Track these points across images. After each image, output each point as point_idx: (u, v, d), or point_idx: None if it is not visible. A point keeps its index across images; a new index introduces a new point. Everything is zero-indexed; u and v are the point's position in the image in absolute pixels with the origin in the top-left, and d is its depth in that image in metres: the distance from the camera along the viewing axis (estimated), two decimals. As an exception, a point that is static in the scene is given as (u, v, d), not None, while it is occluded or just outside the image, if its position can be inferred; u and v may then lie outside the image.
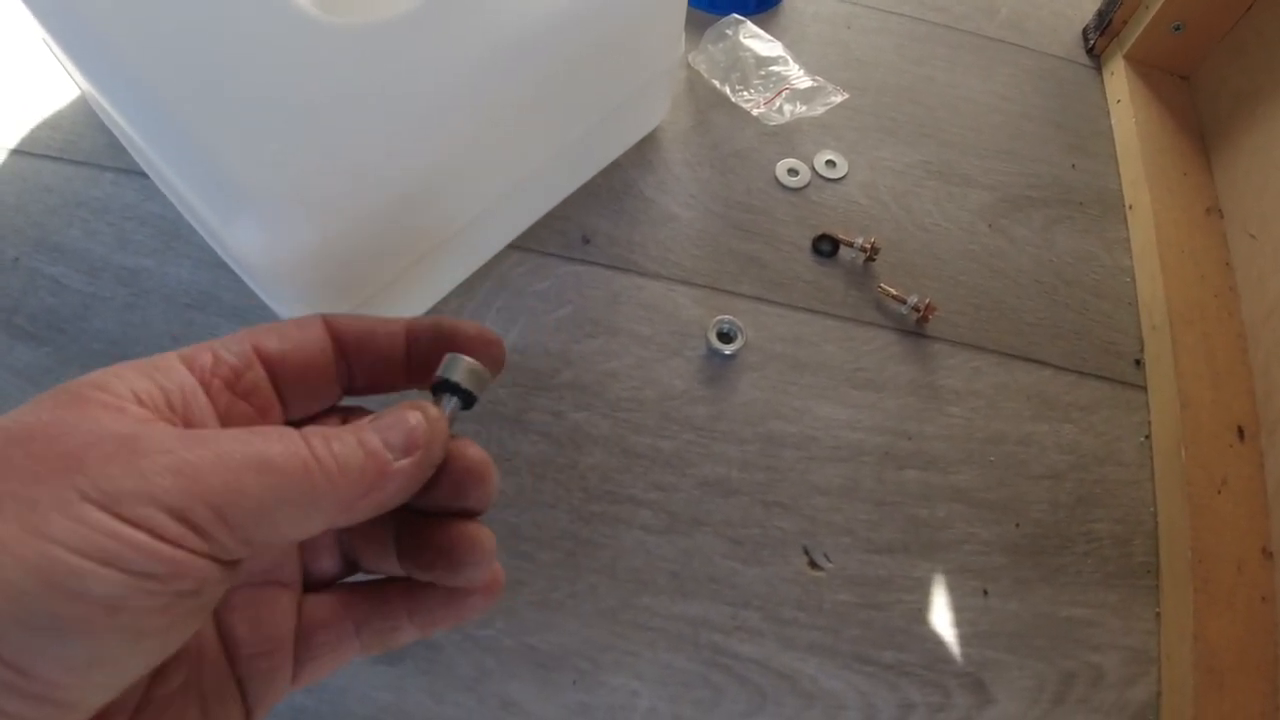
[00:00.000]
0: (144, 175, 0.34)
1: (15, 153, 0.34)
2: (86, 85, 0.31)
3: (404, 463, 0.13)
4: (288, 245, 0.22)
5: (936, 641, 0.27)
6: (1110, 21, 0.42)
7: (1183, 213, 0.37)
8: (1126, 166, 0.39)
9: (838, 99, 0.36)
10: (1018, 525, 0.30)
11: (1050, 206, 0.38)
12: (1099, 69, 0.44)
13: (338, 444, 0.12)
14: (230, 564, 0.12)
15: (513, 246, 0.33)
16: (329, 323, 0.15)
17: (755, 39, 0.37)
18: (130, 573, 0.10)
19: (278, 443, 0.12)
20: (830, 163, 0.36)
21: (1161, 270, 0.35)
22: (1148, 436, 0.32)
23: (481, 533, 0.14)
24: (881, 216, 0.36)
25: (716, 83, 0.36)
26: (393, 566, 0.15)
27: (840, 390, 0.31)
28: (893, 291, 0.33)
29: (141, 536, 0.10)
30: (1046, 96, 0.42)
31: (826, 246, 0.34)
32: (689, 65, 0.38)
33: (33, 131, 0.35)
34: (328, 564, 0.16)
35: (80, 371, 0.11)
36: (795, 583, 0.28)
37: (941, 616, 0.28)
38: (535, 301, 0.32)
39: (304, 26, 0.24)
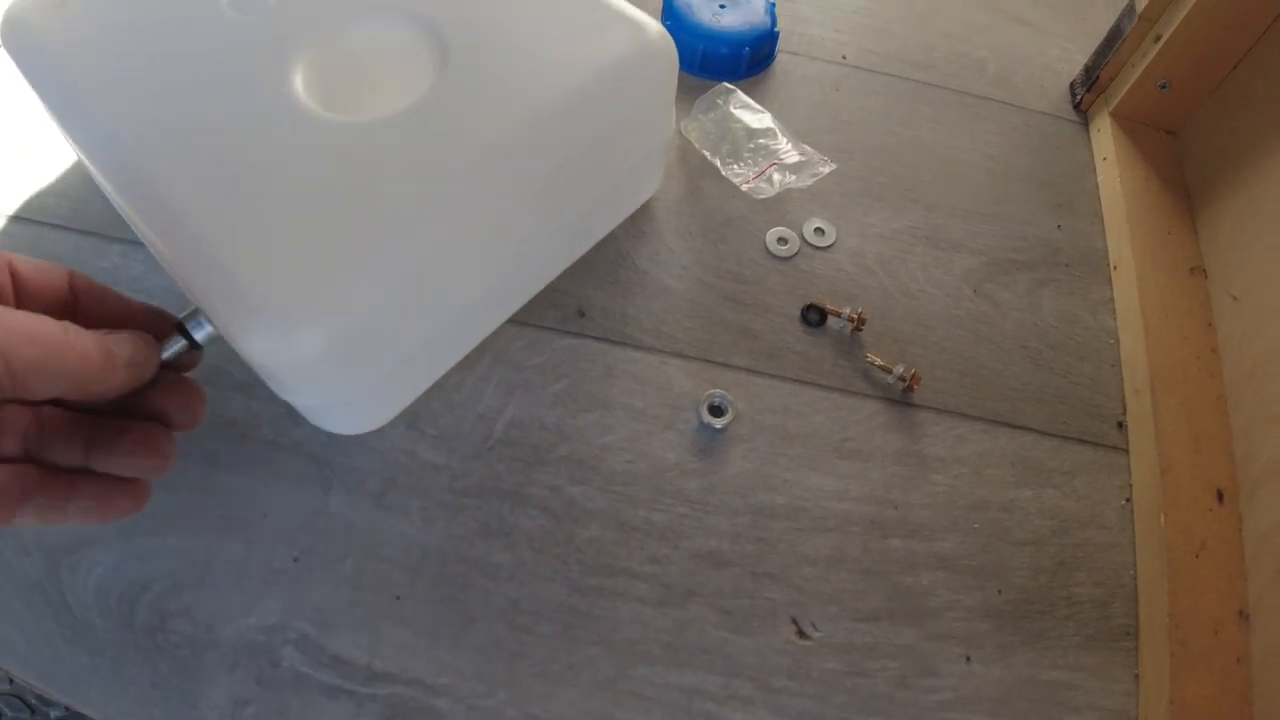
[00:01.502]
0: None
1: (21, 220, 0.37)
2: (91, 168, 0.33)
3: (124, 370, 0.20)
4: (298, 348, 0.24)
5: (921, 707, 0.29)
6: (1097, 78, 0.44)
7: (1166, 274, 0.38)
8: (1111, 226, 0.41)
9: (826, 170, 0.38)
10: (1000, 591, 0.32)
11: (1036, 269, 0.40)
12: (1085, 124, 0.45)
13: (85, 336, 0.19)
14: None
15: (509, 320, 0.35)
16: (71, 275, 0.22)
17: (745, 109, 0.39)
18: None
19: (44, 322, 0.18)
20: (819, 230, 0.38)
21: (1145, 332, 0.37)
22: (1129, 499, 0.34)
23: (169, 437, 0.22)
24: (869, 284, 0.38)
25: (707, 153, 0.38)
26: (75, 458, 0.21)
27: (828, 460, 0.33)
28: (880, 362, 0.35)
29: None
30: (1033, 154, 0.44)
31: (814, 316, 0.36)
32: (680, 134, 0.40)
33: (39, 199, 0.37)
34: (10, 448, 0.21)
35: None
36: (785, 652, 0.30)
37: (926, 683, 0.30)
38: (532, 375, 0.34)
39: (309, 124, 0.26)
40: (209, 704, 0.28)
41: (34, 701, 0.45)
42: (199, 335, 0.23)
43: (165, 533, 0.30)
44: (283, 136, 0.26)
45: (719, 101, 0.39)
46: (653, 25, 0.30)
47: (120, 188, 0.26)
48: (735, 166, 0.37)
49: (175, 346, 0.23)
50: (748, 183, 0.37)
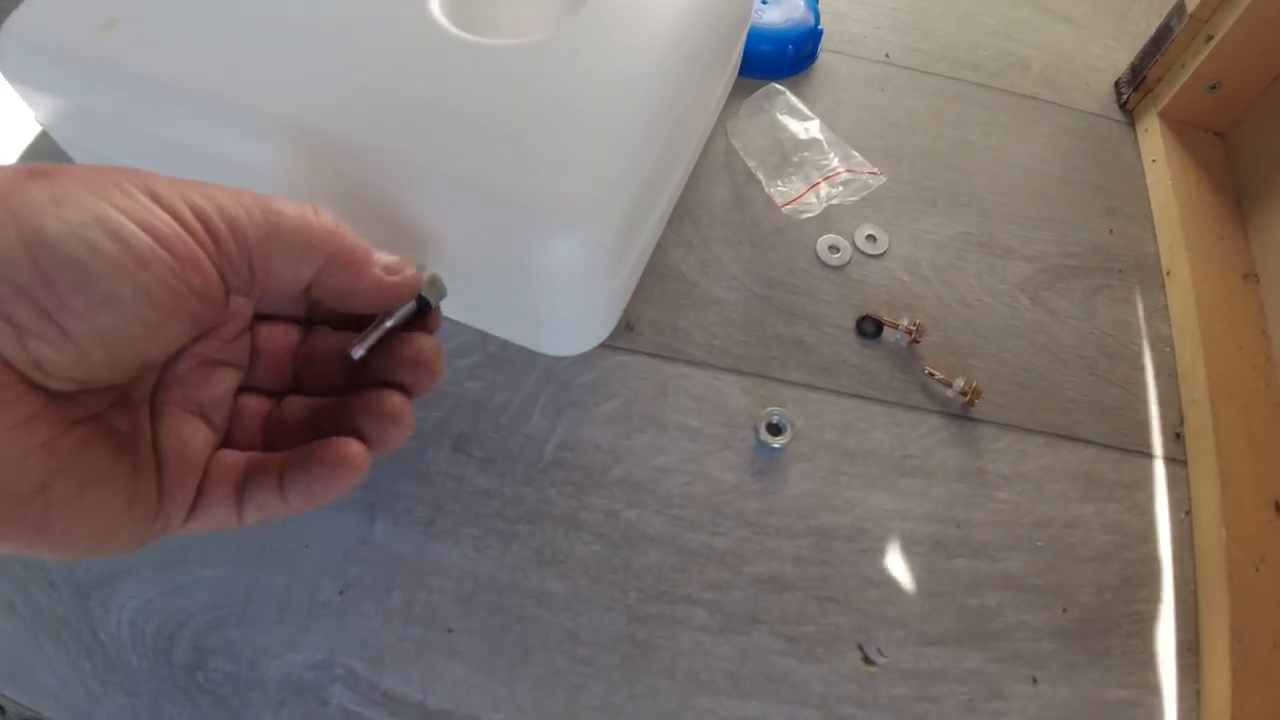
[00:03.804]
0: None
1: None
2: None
3: (382, 274, 0.18)
4: (583, 241, 0.26)
5: (989, 731, 0.29)
6: (1145, 78, 0.44)
7: (1220, 280, 0.38)
8: (1164, 230, 0.41)
9: (875, 184, 0.37)
10: (1065, 610, 0.31)
11: (1090, 275, 0.39)
12: (1132, 125, 0.45)
13: (339, 223, 0.18)
14: (229, 291, 0.16)
15: (556, 335, 0.34)
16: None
17: (792, 116, 0.38)
18: (159, 239, 0.14)
19: (287, 203, 0.17)
20: (871, 238, 0.38)
21: (1201, 341, 0.37)
22: (1188, 513, 0.34)
23: (405, 399, 0.19)
24: (924, 293, 0.37)
25: (752, 165, 0.38)
26: (305, 438, 0.19)
27: (889, 479, 0.33)
28: (939, 375, 0.34)
29: (172, 220, 0.14)
30: (1083, 156, 0.43)
31: (870, 328, 0.36)
32: (726, 138, 0.39)
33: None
34: (250, 439, 0.19)
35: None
36: (851, 679, 0.29)
37: (994, 706, 0.29)
38: (582, 394, 0.33)
39: (465, 49, 0.27)
40: (254, 745, 0.27)
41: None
42: (430, 297, 0.21)
43: (202, 565, 0.29)
44: (447, 61, 0.27)
45: (765, 105, 0.38)
46: None
47: (310, 163, 0.26)
48: (779, 184, 0.37)
49: (402, 309, 0.20)
50: (789, 203, 0.36)
